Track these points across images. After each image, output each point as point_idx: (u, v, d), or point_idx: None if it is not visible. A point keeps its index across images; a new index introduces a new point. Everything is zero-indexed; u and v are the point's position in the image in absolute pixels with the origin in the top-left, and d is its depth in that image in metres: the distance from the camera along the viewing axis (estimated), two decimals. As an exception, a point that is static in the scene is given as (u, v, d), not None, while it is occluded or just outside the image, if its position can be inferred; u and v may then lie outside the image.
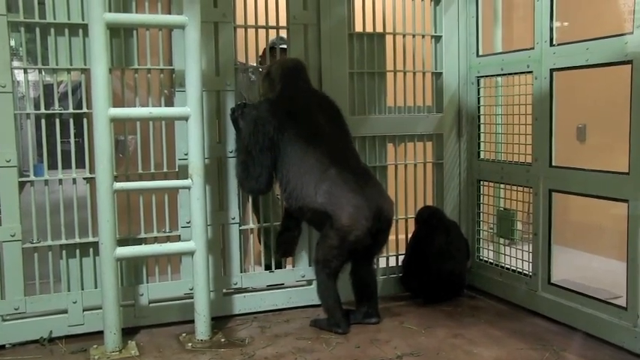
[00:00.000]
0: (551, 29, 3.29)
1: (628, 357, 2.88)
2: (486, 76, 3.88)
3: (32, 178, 3.16)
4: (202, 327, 3.14)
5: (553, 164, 3.36)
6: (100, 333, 3.03)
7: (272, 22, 3.54)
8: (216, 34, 3.40)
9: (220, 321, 3.38)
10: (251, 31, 3.51)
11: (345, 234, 3.09)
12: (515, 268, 3.68)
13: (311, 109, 3.27)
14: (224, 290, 3.50)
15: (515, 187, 3.68)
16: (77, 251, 3.22)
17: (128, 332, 3.17)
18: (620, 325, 2.95)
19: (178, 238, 3.36)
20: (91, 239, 3.21)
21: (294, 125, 3.18)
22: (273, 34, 3.54)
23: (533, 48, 3.41)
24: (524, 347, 3.02)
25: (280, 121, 3.16)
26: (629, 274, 2.91)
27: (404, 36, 3.82)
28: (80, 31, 3.12)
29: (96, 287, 3.22)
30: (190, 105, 3.06)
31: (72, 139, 3.20)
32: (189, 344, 3.09)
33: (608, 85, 4.07)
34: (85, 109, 3.17)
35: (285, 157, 3.17)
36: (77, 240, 3.21)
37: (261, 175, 3.18)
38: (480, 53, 3.90)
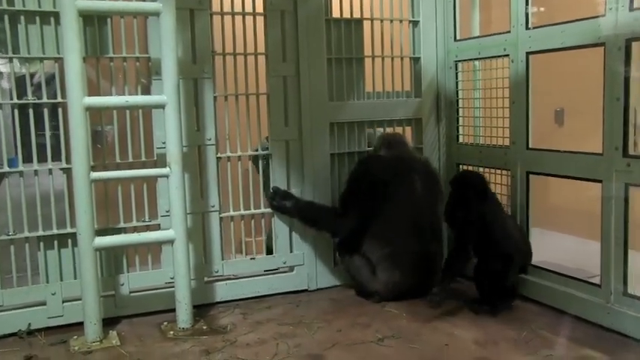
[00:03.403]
0: (527, 13, 3.31)
1: (601, 332, 2.93)
2: (464, 60, 3.89)
3: (6, 169, 3.12)
4: (184, 315, 3.14)
5: (530, 147, 3.39)
6: (81, 324, 3.02)
7: (248, 9, 3.52)
8: (192, 21, 3.38)
9: (202, 309, 3.38)
10: (227, 18, 3.48)
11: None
12: (494, 251, 3.71)
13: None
14: (205, 278, 3.50)
15: (493, 170, 3.71)
16: (55, 242, 3.20)
17: (109, 323, 3.16)
18: (595, 302, 3.00)
19: (158, 227, 3.35)
20: (69, 230, 3.18)
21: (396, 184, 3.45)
22: (249, 20, 3.52)
23: (509, 32, 3.43)
24: (503, 327, 3.06)
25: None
26: (603, 253, 2.96)
27: (381, 21, 3.82)
28: (52, 19, 3.08)
29: (75, 278, 3.20)
30: (167, 93, 3.04)
31: (47, 132, 3.16)
32: (171, 332, 3.09)
33: (585, 68, 4.09)
34: (59, 99, 3.14)
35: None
36: (55, 231, 3.18)
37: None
38: (458, 38, 3.91)
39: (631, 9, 2.74)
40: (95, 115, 3.23)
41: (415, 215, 3.45)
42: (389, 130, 3.90)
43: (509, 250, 3.23)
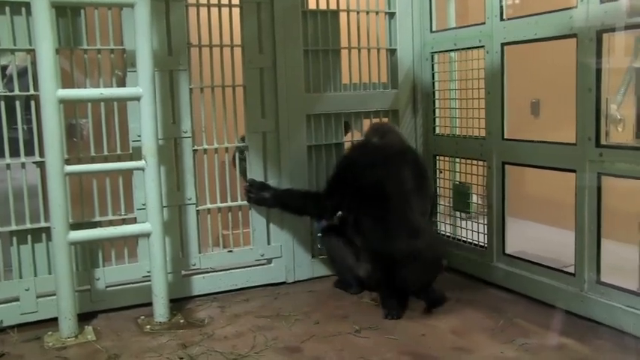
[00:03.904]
0: (501, 4, 3.33)
1: (575, 320, 2.98)
2: (440, 52, 3.90)
3: (-22, 163, 3.07)
4: (161, 309, 3.13)
5: (505, 137, 3.41)
6: (55, 320, 2.99)
7: (224, 1, 3.49)
8: (167, 12, 3.35)
9: (179, 303, 3.36)
10: (203, 10, 3.46)
11: None
12: (471, 241, 3.75)
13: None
14: (183, 272, 3.48)
15: (469, 161, 3.74)
16: (29, 237, 3.15)
17: (84, 318, 3.13)
18: (569, 290, 3.05)
19: (134, 221, 3.32)
20: (43, 224, 3.14)
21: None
22: (225, 12, 3.50)
23: (484, 23, 3.44)
24: (479, 316, 3.09)
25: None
26: (577, 242, 3.00)
27: (358, 13, 3.82)
28: (23, 9, 3.03)
29: (49, 273, 3.16)
30: (142, 85, 3.01)
31: (20, 125, 3.11)
32: (148, 327, 3.07)
33: (561, 60, 4.13)
34: (32, 92, 3.09)
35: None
36: (28, 226, 3.14)
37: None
38: (434, 29, 3.92)
39: (602, 1, 2.77)
40: (70, 108, 3.19)
41: (403, 202, 3.41)
42: (366, 121, 3.90)
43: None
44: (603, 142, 2.86)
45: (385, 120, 3.92)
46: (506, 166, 3.44)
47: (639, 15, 2.61)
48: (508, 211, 3.50)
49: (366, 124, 3.90)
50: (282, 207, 3.58)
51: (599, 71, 2.81)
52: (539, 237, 4.43)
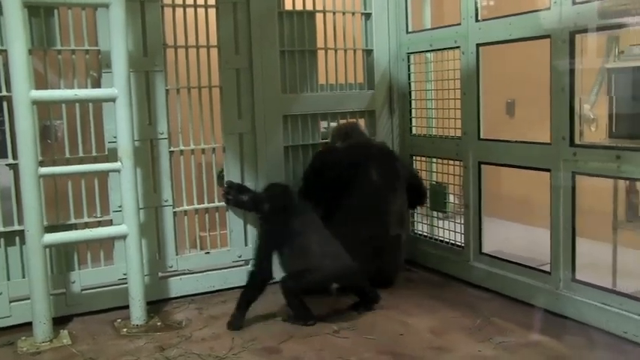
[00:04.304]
0: (477, 5, 3.35)
1: (551, 317, 3.01)
2: (416, 53, 3.92)
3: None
4: (137, 312, 3.10)
5: (481, 137, 3.44)
6: (29, 324, 2.95)
7: (200, 1, 3.48)
8: (142, 13, 3.32)
9: (157, 305, 3.34)
10: (179, 10, 3.44)
11: None
12: (448, 240, 3.77)
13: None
14: (160, 274, 3.46)
15: (446, 161, 3.76)
16: (1, 240, 3.11)
17: (60, 322, 3.09)
18: (545, 288, 3.08)
19: (110, 223, 3.28)
20: (16, 227, 3.09)
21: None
22: (201, 13, 3.48)
23: (460, 24, 3.47)
24: (457, 315, 3.11)
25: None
26: (552, 241, 3.03)
27: (334, 13, 3.83)
28: (-5, 9, 2.99)
29: (23, 277, 3.11)
30: (117, 86, 2.98)
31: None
32: (125, 330, 3.05)
33: (535, 61, 4.18)
34: (4, 92, 3.04)
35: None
36: (1, 229, 3.09)
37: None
38: (410, 30, 3.94)
39: (574, 3, 2.81)
40: (44, 109, 3.15)
41: (373, 202, 3.47)
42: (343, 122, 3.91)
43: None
44: (577, 141, 2.90)
45: (353, 120, 3.92)
46: (482, 166, 3.46)
47: (610, 16, 2.65)
48: (484, 211, 3.53)
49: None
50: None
51: (572, 72, 2.85)
52: (515, 236, 4.48)
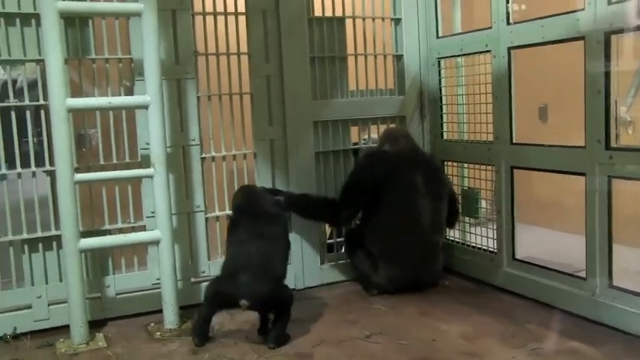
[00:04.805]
0: (508, 8, 3.32)
1: (587, 324, 2.95)
2: (447, 57, 3.90)
3: (-11, 172, 3.09)
4: (170, 316, 3.13)
5: (514, 141, 3.40)
6: (67, 327, 3.00)
7: (230, 9, 3.51)
8: (174, 21, 3.37)
9: (189, 310, 3.34)
10: (209, 18, 3.48)
11: None
12: (480, 246, 3.73)
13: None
14: (192, 279, 3.49)
15: (478, 166, 3.73)
16: (40, 245, 3.17)
17: (95, 325, 3.14)
18: (580, 295, 3.02)
19: (144, 229, 3.33)
20: (54, 232, 3.16)
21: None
22: (231, 20, 3.52)
23: (490, 27, 3.44)
24: (490, 322, 3.07)
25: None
26: (588, 246, 2.97)
27: (363, 19, 3.84)
28: (33, 20, 3.06)
29: (61, 281, 3.18)
30: (150, 93, 3.03)
31: (30, 135, 3.15)
32: (158, 333, 3.08)
33: (568, 65, 4.13)
34: (42, 101, 3.11)
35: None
36: (39, 234, 3.16)
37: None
38: (440, 35, 3.93)
39: (609, 3, 2.76)
40: (79, 118, 3.21)
41: (416, 209, 3.48)
42: (373, 127, 3.92)
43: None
44: (613, 144, 2.84)
45: (394, 126, 3.92)
46: (515, 171, 3.42)
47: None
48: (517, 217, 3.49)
49: (374, 130, 3.92)
50: (296, 211, 3.59)
51: (607, 73, 2.80)
52: (548, 242, 4.40)
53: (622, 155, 2.79)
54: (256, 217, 3.06)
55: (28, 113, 3.13)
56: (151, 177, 3.07)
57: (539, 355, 2.66)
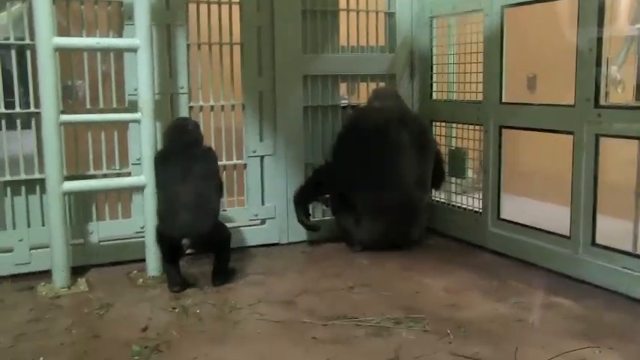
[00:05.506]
0: (503, -34, 3.30)
1: (569, 282, 2.98)
2: (439, 17, 3.87)
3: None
4: (153, 263, 3.11)
5: (503, 101, 3.40)
6: (48, 272, 2.98)
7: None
8: (165, -34, 3.31)
9: (173, 259, 3.34)
10: (202, -34, 3.42)
11: None
12: (465, 206, 3.75)
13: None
14: (176, 228, 3.46)
15: (466, 126, 3.72)
16: (22, 188, 3.13)
17: (77, 271, 3.11)
18: (563, 253, 3.05)
19: (129, 176, 3.29)
20: (37, 176, 3.11)
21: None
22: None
23: (485, -15, 3.42)
24: (473, 277, 3.10)
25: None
26: (573, 204, 2.99)
27: (357, -26, 3.79)
28: (20, -44, 2.99)
29: (43, 225, 3.14)
30: (139, 36, 2.98)
31: (14, 75, 3.08)
32: (140, 280, 3.07)
33: (558, 33, 4.12)
34: (27, 41, 3.05)
35: None
36: (22, 176, 3.12)
37: None
38: (433, -7, 3.89)
39: (605, -42, 2.74)
40: (66, 68, 3.14)
41: (401, 166, 3.48)
42: (363, 85, 3.89)
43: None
44: (602, 102, 2.85)
45: (384, 85, 3.90)
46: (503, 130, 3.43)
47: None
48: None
49: (363, 87, 3.90)
50: (303, 206, 3.66)
51: (600, 30, 2.79)
52: (533, 211, 4.40)
53: (610, 113, 2.80)
54: (188, 155, 3.00)
55: (12, 52, 3.05)
56: (138, 121, 3.03)
57: (522, 309, 2.68)
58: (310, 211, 3.74)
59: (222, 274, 3.01)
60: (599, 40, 2.81)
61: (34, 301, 2.81)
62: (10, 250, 3.11)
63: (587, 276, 2.93)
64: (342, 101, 3.88)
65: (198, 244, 2.94)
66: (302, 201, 3.63)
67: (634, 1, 2.84)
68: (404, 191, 3.49)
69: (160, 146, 3.14)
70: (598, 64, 2.83)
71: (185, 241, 2.84)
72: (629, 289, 2.74)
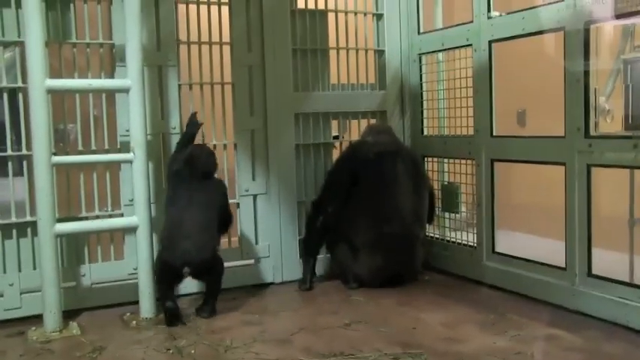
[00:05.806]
0: (489, 2, 3.36)
1: (566, 314, 2.96)
2: (428, 53, 3.93)
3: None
4: (147, 304, 3.07)
5: (494, 134, 3.42)
6: (39, 317, 2.93)
7: (213, -1, 3.51)
8: (156, 8, 3.35)
9: (166, 301, 3.30)
10: (192, 7, 3.47)
11: None
12: (460, 241, 3.73)
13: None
14: (170, 270, 3.42)
15: (458, 161, 3.74)
16: (14, 231, 3.10)
17: (69, 314, 3.07)
18: (560, 285, 3.03)
19: (121, 217, 3.27)
20: (29, 219, 3.09)
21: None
22: (214, 9, 3.50)
23: (472, 21, 3.47)
24: (470, 311, 3.07)
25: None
26: (567, 235, 2.99)
27: (346, 13, 3.85)
28: (12, 1, 3.01)
29: (34, 269, 3.10)
30: (131, 77, 3.00)
31: (6, 117, 3.09)
32: (134, 322, 3.02)
33: (546, 71, 4.17)
34: (20, 84, 3.06)
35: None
36: (14, 220, 3.09)
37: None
38: (421, 31, 3.95)
39: (588, -7, 2.80)
40: (58, 111, 3.15)
41: (398, 200, 3.49)
42: (354, 122, 3.92)
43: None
44: (592, 133, 2.87)
45: (376, 121, 3.94)
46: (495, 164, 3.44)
47: (626, 6, 2.64)
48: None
49: (354, 125, 3.93)
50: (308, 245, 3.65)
51: (587, 63, 2.83)
52: (528, 246, 4.38)
53: (601, 143, 2.82)
54: (197, 183, 3.06)
55: (5, 95, 3.06)
56: (130, 162, 3.03)
57: (520, 341, 2.65)
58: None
59: (212, 306, 3.08)
60: (586, 73, 2.85)
61: (24, 347, 2.76)
62: (0, 295, 3.06)
63: (584, 307, 2.91)
64: (334, 135, 3.90)
65: (198, 272, 3.02)
66: (314, 252, 3.61)
67: (618, 32, 2.89)
68: (403, 223, 3.48)
69: (151, 187, 3.14)
70: (586, 94, 2.86)
71: (186, 269, 2.95)
72: (627, 319, 2.72)
